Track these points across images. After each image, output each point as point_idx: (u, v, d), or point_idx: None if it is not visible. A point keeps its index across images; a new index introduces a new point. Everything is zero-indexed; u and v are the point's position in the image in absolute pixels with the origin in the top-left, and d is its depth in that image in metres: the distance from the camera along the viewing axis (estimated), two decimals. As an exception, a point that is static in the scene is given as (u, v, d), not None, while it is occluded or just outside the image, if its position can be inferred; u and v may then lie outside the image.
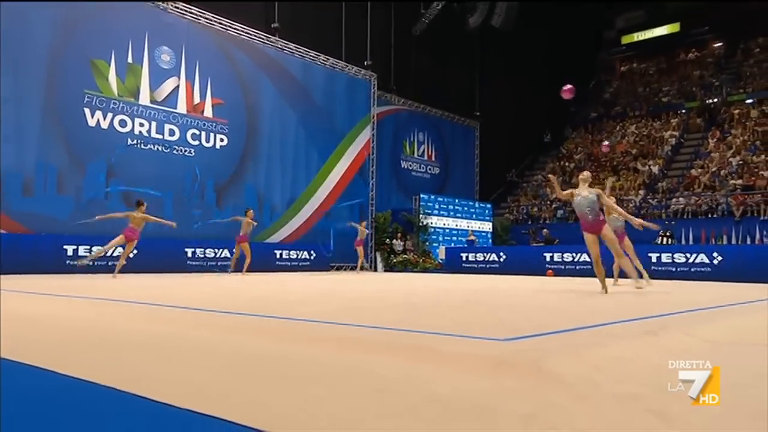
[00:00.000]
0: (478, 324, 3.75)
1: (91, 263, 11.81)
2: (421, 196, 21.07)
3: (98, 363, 2.43)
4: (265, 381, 2.16)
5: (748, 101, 26.71)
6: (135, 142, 14.34)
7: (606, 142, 24.03)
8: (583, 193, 7.24)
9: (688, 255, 14.18)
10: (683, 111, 28.41)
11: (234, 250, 13.83)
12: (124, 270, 12.70)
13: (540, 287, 9.12)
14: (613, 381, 2.20)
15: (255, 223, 13.77)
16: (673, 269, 14.24)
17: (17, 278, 10.37)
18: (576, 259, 15.70)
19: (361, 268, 16.87)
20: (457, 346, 2.80)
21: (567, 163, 28.09)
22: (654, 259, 14.58)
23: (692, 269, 13.95)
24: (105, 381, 2.04)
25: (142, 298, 5.70)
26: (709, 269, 13.74)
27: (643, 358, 2.70)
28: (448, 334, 3.10)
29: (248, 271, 13.57)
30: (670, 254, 14.45)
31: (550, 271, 14.07)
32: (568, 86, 9.40)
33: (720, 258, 13.71)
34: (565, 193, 7.65)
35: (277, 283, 9.49)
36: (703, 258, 13.91)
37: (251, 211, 13.83)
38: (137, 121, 14.42)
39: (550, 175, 8.33)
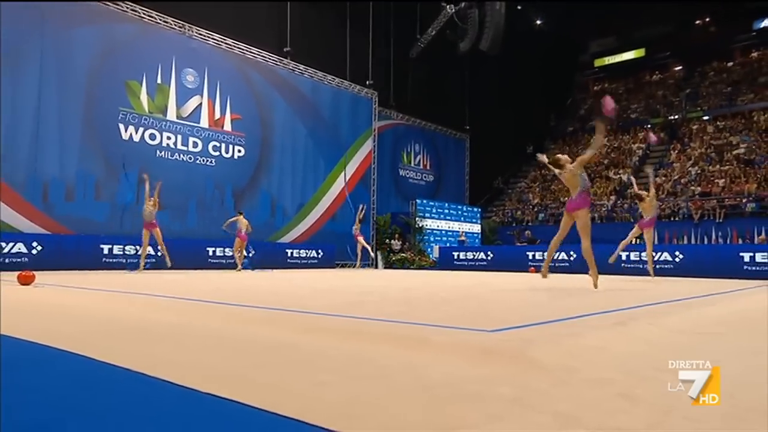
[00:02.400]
0: (468, 316, 3.73)
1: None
2: (417, 200, 21.05)
3: (129, 350, 2.41)
4: (278, 367, 2.14)
5: (705, 118, 26.76)
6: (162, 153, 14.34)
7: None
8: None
9: (654, 254, 14.13)
10: (649, 126, 28.42)
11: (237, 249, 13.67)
12: (153, 266, 12.77)
13: (523, 283, 9.10)
14: (588, 367, 2.19)
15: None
16: (641, 266, 14.20)
17: (61, 274, 10.42)
18: (555, 258, 15.68)
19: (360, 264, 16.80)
20: (449, 336, 2.78)
21: (547, 172, 28.06)
22: (624, 257, 14.53)
23: (657, 266, 13.89)
24: (135, 366, 2.03)
25: (171, 292, 5.68)
26: (672, 266, 13.73)
27: (614, 346, 2.68)
28: (440, 325, 3.08)
29: (262, 268, 13.58)
30: (638, 253, 14.43)
31: (532, 268, 14.03)
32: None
33: (681, 256, 13.71)
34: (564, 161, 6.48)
35: (290, 280, 9.46)
36: (666, 256, 13.91)
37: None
38: (165, 134, 14.40)
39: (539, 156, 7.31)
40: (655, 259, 14.04)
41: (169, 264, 11.90)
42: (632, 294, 6.37)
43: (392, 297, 5.07)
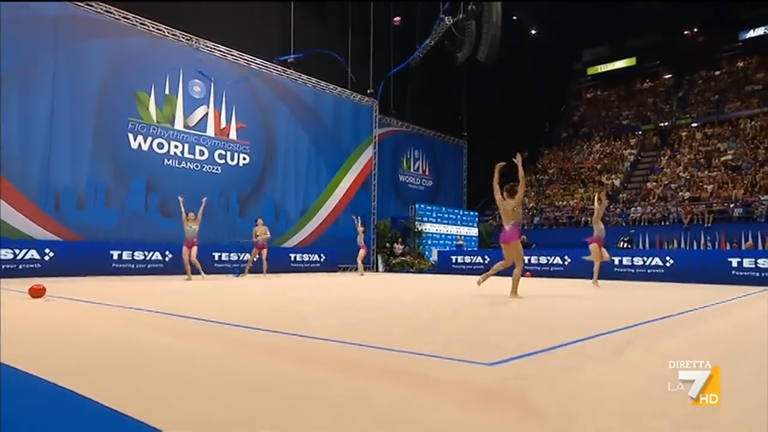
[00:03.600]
0: (467, 342, 3.63)
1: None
2: (417, 205, 20.95)
3: (119, 387, 2.31)
4: (274, 412, 2.04)
5: (694, 125, 26.64)
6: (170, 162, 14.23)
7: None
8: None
9: (645, 259, 14.06)
10: (640, 132, 28.32)
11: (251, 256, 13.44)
12: (160, 272, 12.73)
13: (520, 290, 8.96)
14: (587, 413, 2.09)
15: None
16: (633, 271, 14.11)
17: (73, 281, 10.31)
18: (550, 262, 15.59)
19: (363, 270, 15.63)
20: (449, 372, 2.68)
21: (542, 177, 27.97)
22: (616, 262, 14.44)
23: (649, 271, 13.82)
24: (125, 407, 1.92)
25: (178, 307, 5.58)
26: (662, 271, 13.61)
27: (613, 383, 2.58)
28: (440, 356, 2.98)
29: (268, 272, 13.39)
30: (630, 258, 14.33)
31: (528, 273, 13.90)
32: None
33: (672, 261, 13.59)
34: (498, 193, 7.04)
35: (294, 288, 9.36)
36: (657, 261, 13.79)
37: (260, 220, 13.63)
38: (172, 143, 14.31)
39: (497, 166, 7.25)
40: (646, 263, 13.96)
41: (202, 276, 11.78)
42: (615, 304, 6.27)
43: (391, 316, 4.96)
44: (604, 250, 10.88)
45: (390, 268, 19.17)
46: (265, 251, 13.29)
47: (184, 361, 2.96)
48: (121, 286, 9.22)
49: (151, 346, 3.38)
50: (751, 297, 8.20)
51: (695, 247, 18.58)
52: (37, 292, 5.73)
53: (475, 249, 18.57)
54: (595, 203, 11.19)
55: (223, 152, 15.45)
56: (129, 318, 4.78)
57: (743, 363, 3.13)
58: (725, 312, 6.09)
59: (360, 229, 15.23)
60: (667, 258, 13.70)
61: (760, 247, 16.99)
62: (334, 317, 4.89)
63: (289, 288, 9.24)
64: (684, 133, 26.11)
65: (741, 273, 12.41)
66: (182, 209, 11.62)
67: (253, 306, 6.01)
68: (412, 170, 23.19)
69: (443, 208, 22.07)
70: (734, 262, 12.60)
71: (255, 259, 13.43)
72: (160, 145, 14.08)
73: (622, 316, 5.34)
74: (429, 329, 4.19)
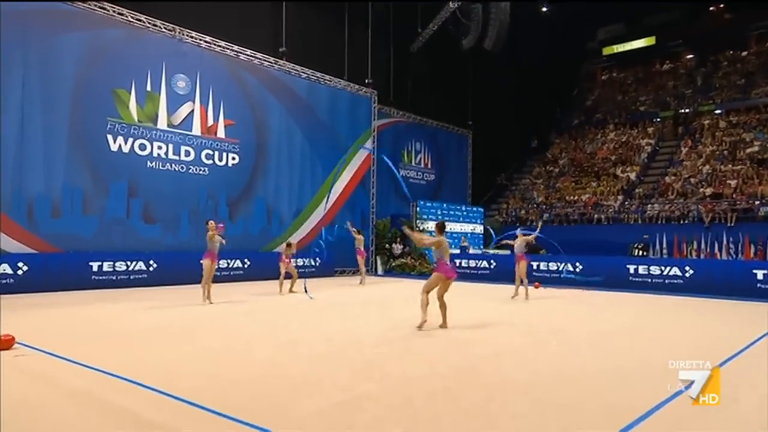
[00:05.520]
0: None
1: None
2: (419, 202, 20.80)
3: None
4: None
5: (717, 111, 26.23)
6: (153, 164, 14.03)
7: None
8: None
9: (663, 267, 13.95)
10: (658, 119, 27.95)
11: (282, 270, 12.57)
12: (143, 283, 12.66)
13: (521, 318, 8.86)
14: None
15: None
16: (649, 280, 14.03)
17: (48, 298, 10.04)
18: (560, 268, 15.48)
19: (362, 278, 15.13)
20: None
21: (552, 168, 27.73)
22: (632, 271, 14.37)
23: (666, 281, 13.73)
24: None
25: (149, 366, 5.44)
26: (681, 281, 13.52)
27: None
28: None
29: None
30: (646, 266, 14.22)
31: (537, 283, 13.79)
32: None
33: (692, 271, 13.48)
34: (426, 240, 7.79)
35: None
36: (676, 271, 13.69)
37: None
38: (155, 144, 14.10)
39: (405, 228, 8.60)
40: (664, 273, 13.85)
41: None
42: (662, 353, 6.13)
43: (394, 387, 4.73)
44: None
45: (389, 270, 19.10)
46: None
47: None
48: (113, 313, 9.10)
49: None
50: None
51: (716, 249, 18.42)
52: (5, 344, 5.57)
53: (479, 253, 18.43)
54: (518, 240, 11.84)
55: (211, 152, 15.23)
56: (108, 405, 4.64)
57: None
58: None
59: (358, 237, 14.93)
60: (687, 268, 13.58)
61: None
62: (318, 391, 4.45)
63: (276, 317, 9.13)
64: (706, 121, 25.73)
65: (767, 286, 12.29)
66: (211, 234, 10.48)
67: (220, 363, 5.47)
68: (413, 163, 22.96)
69: (446, 205, 21.92)
70: (760, 274, 12.47)
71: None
72: (142, 146, 13.87)
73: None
74: (438, 418, 4.02)
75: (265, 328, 7.72)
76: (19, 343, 5.92)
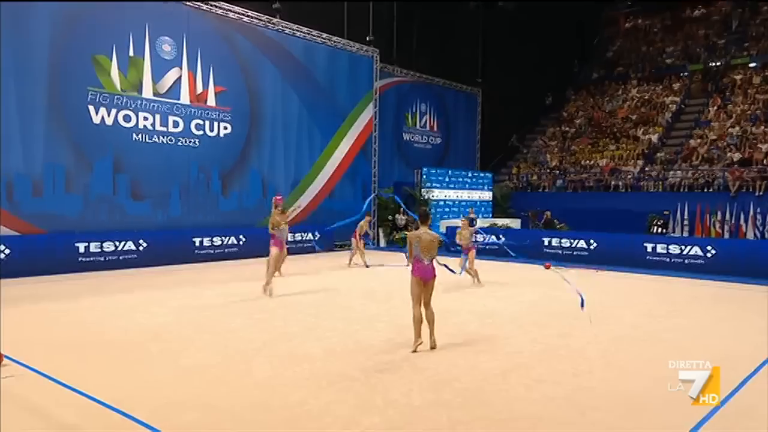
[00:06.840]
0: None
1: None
2: (423, 169, 20.48)
3: None
4: None
5: (752, 65, 25.23)
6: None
7: None
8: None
9: (683, 247, 13.74)
10: (686, 74, 27.01)
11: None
12: (133, 264, 12.63)
13: (536, 307, 8.66)
14: None
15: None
16: (668, 260, 13.85)
17: (34, 286, 9.65)
18: (573, 245, 15.30)
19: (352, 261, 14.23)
20: None
21: (567, 128, 27.10)
22: (649, 249, 14.18)
23: (686, 261, 13.55)
24: None
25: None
26: (702, 261, 13.34)
27: None
28: None
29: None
30: (665, 245, 14.01)
31: (548, 263, 13.59)
32: None
33: (714, 251, 13.26)
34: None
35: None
36: (697, 251, 13.48)
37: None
38: (141, 115, 13.76)
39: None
40: (684, 253, 13.64)
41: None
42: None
43: (398, 420, 4.60)
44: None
45: (391, 243, 19.02)
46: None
47: None
48: (107, 310, 9.00)
49: None
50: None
51: (742, 220, 18.10)
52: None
53: (487, 228, 18.18)
54: (463, 232, 11.63)
55: (201, 122, 14.88)
56: None
57: None
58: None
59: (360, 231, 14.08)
60: (708, 247, 13.35)
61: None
62: (325, 425, 4.59)
63: (258, 312, 9.05)
64: (739, 76, 24.79)
65: (795, 267, 12.08)
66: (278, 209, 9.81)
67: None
68: (418, 126, 22.47)
69: (453, 171, 21.57)
70: (787, 255, 12.24)
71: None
72: (127, 118, 13.53)
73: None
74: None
75: (268, 335, 7.61)
76: (6, 357, 5.76)
